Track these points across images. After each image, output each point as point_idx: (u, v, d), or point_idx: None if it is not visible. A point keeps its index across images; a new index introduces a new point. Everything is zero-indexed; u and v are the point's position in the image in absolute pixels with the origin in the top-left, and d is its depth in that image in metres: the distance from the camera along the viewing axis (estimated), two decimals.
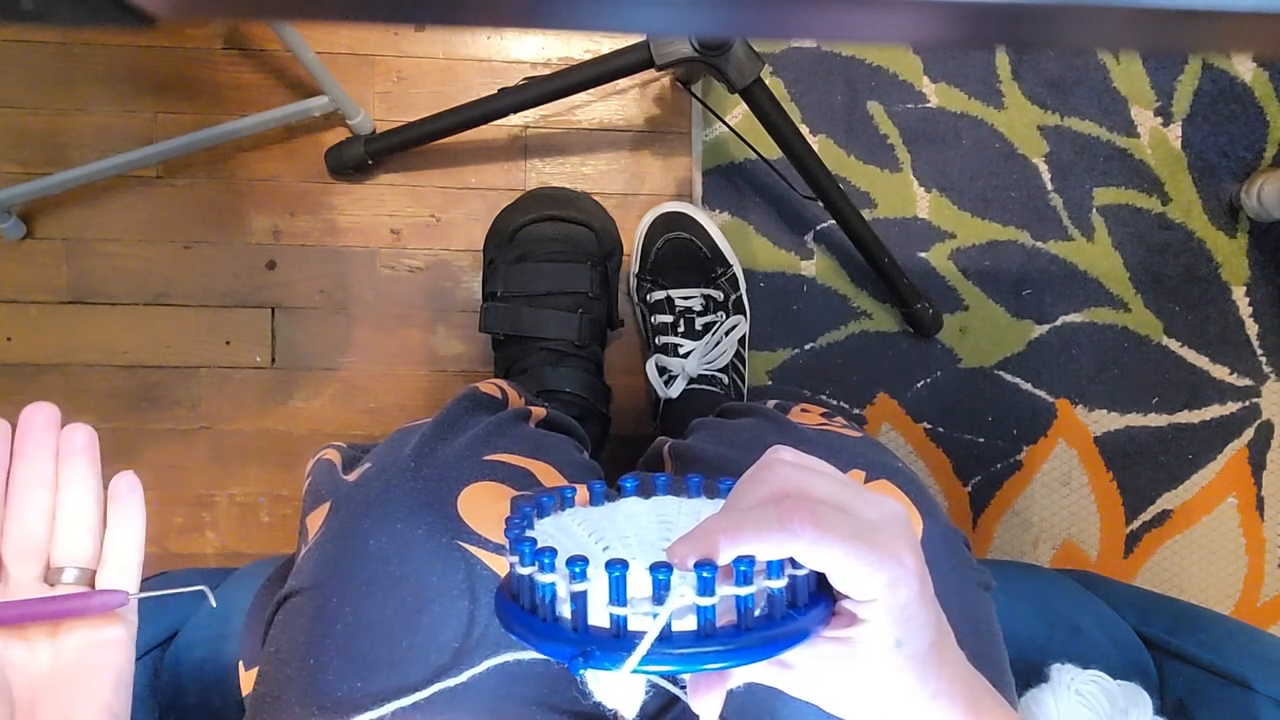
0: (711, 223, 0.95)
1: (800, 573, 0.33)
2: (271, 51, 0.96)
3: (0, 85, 0.94)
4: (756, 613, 0.32)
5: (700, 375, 0.91)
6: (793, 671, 0.35)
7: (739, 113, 0.96)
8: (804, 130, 0.99)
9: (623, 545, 0.37)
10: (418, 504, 0.49)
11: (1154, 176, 1.03)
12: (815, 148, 0.88)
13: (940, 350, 1.02)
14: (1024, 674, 0.55)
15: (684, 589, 0.31)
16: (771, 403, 0.73)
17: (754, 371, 0.99)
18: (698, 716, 0.35)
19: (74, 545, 0.39)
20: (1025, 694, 0.56)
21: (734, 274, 0.95)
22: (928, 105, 1.01)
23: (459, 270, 0.98)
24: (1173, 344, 1.04)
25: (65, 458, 0.40)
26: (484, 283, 0.95)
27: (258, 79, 0.96)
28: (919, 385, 1.02)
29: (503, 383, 0.72)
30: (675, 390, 0.91)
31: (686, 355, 0.91)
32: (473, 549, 0.47)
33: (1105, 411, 1.04)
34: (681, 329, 0.91)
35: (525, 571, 0.33)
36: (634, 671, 0.30)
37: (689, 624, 0.31)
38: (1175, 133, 1.03)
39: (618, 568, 0.31)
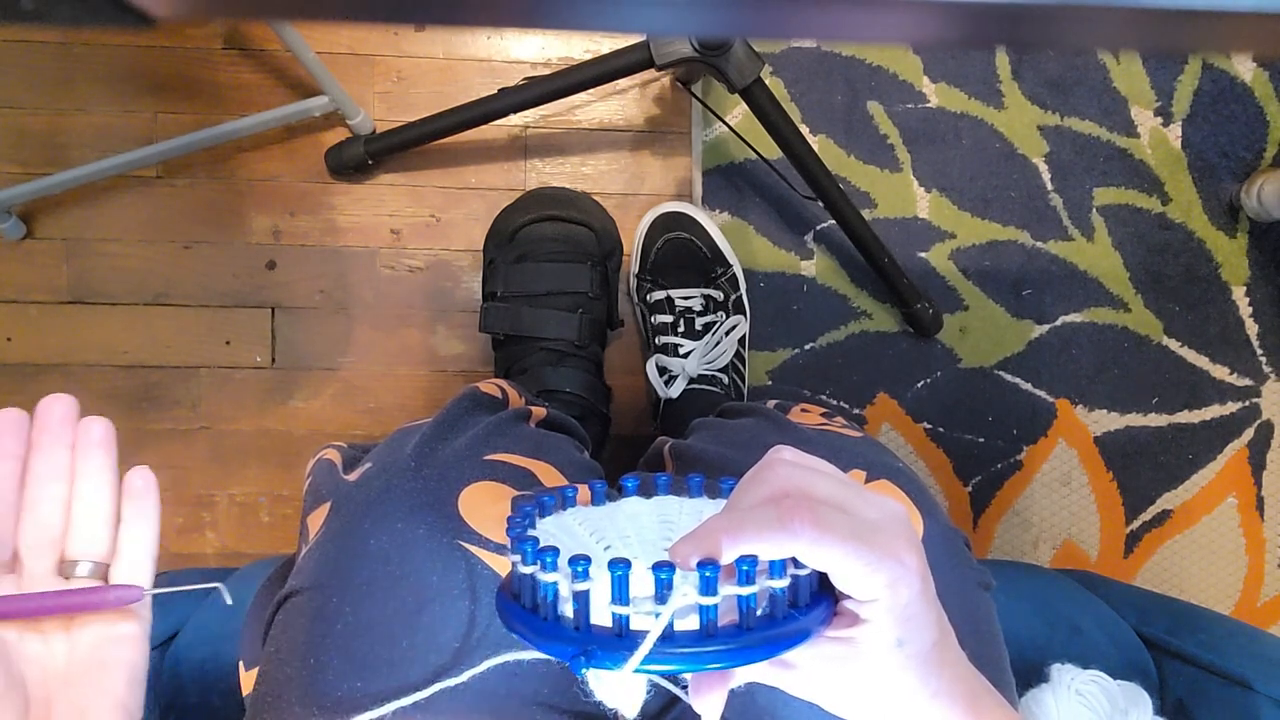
0: (711, 223, 0.95)
1: (802, 572, 0.33)
2: (271, 51, 0.96)
3: (0, 85, 0.94)
4: (758, 612, 0.32)
5: (700, 375, 0.91)
6: (794, 671, 0.35)
7: (739, 113, 0.96)
8: (804, 130, 0.99)
9: (624, 545, 0.37)
10: (418, 504, 0.49)
11: (1154, 176, 1.03)
12: (815, 148, 0.88)
13: (940, 350, 1.02)
14: (1024, 674, 0.55)
15: (686, 588, 0.31)
16: (771, 403, 0.73)
17: (754, 371, 0.99)
18: (699, 716, 0.35)
19: (89, 539, 0.39)
20: (1025, 694, 0.56)
21: (734, 274, 0.95)
22: (928, 105, 1.01)
23: (459, 270, 0.98)
24: (1173, 344, 1.04)
25: (82, 450, 0.40)
26: (484, 283, 0.95)
27: (258, 79, 0.96)
28: (919, 385, 1.02)
29: (503, 383, 0.72)
30: (675, 390, 0.91)
31: (686, 355, 0.91)
32: (473, 549, 0.47)
33: (1105, 411, 1.04)
34: (681, 329, 0.91)
35: (527, 571, 0.33)
36: (636, 671, 0.30)
37: (691, 623, 0.32)
38: (1175, 133, 1.03)
39: (620, 567, 0.31)
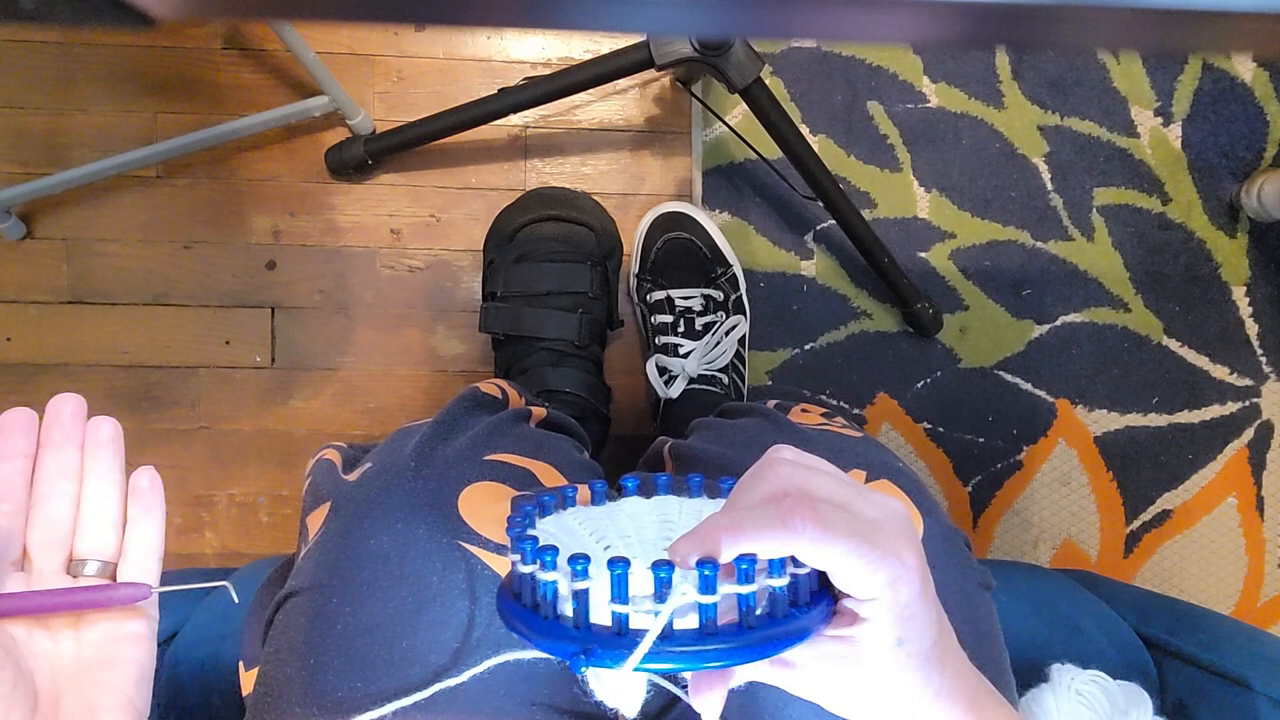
0: (711, 223, 0.95)
1: (802, 571, 0.33)
2: (271, 51, 0.96)
3: (0, 85, 0.94)
4: (758, 611, 0.32)
5: (700, 375, 0.91)
6: (794, 670, 0.35)
7: (739, 113, 0.96)
8: (804, 130, 0.99)
9: (624, 544, 0.37)
10: (418, 504, 0.49)
11: (1154, 176, 1.03)
12: (815, 148, 0.88)
13: (940, 350, 1.02)
14: (1024, 674, 0.55)
15: (686, 587, 0.31)
16: (772, 403, 0.73)
17: (754, 371, 0.99)
18: (699, 716, 0.35)
19: (97, 537, 0.39)
20: (1025, 694, 0.56)
21: (734, 274, 0.95)
22: (928, 105, 1.01)
23: (459, 270, 0.98)
24: (1173, 344, 1.04)
25: (91, 449, 0.40)
26: (484, 283, 0.95)
27: (258, 79, 0.96)
28: (919, 385, 1.02)
29: (503, 383, 0.72)
30: (675, 390, 0.91)
31: (686, 355, 0.91)
32: (473, 549, 0.47)
33: (1105, 411, 1.04)
34: (681, 329, 0.91)
35: (527, 570, 0.33)
36: (635, 669, 0.30)
37: (690, 622, 0.32)
38: (1175, 133, 1.03)
39: (619, 565, 0.31)
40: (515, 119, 0.97)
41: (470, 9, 0.20)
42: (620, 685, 0.38)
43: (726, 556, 0.31)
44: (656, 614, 0.31)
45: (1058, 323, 1.03)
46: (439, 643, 0.44)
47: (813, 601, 0.33)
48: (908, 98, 1.00)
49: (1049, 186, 1.02)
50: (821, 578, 0.34)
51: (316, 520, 0.52)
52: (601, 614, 0.32)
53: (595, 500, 0.43)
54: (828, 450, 0.56)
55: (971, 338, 1.02)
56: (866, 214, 0.99)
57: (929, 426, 1.02)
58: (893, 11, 0.19)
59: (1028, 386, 1.03)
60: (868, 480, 0.54)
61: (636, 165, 0.99)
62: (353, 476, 0.53)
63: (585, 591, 0.32)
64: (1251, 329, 1.04)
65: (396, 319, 0.98)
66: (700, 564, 0.31)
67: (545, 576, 0.33)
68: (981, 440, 1.03)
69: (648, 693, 0.40)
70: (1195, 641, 0.63)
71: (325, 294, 0.98)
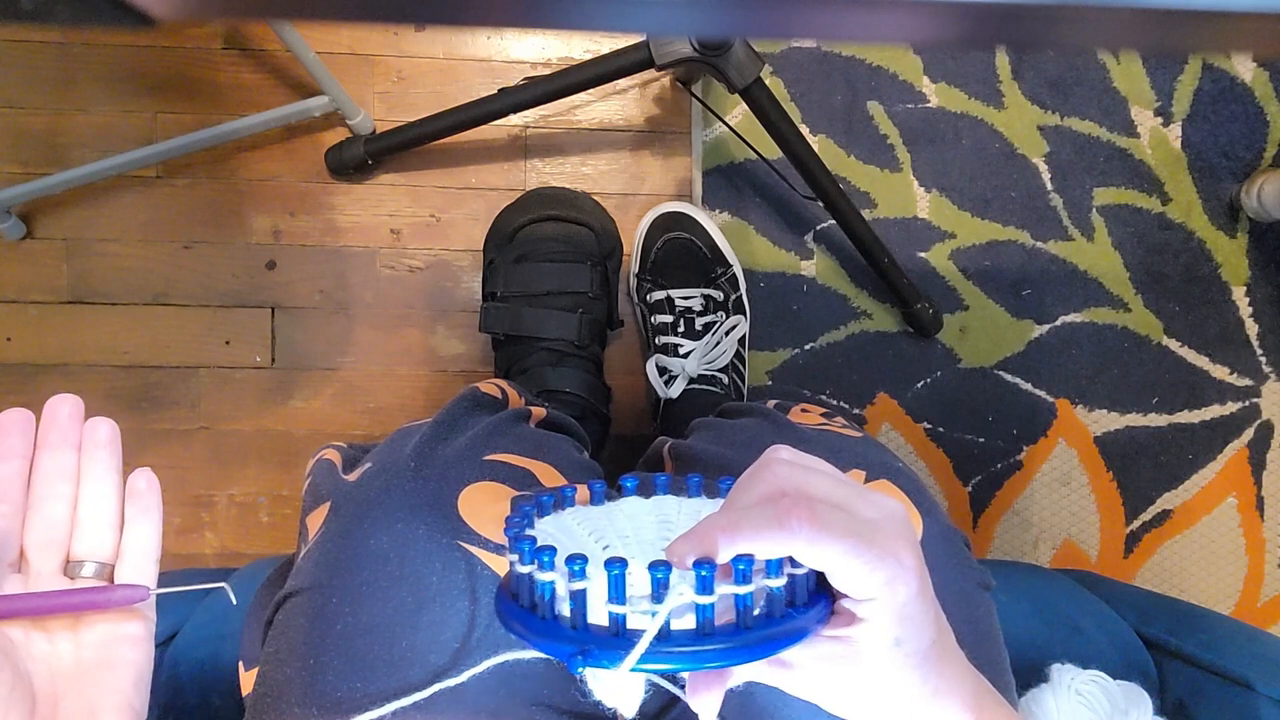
0: (711, 223, 0.95)
1: (799, 571, 0.33)
2: (271, 51, 0.96)
3: (0, 85, 0.94)
4: (755, 611, 0.32)
5: (700, 375, 0.91)
6: (792, 671, 0.35)
7: (739, 113, 0.96)
8: (804, 130, 0.99)
9: (622, 544, 0.37)
10: (418, 504, 0.49)
11: (1154, 176, 1.03)
12: (815, 148, 0.88)
13: (940, 350, 1.02)
14: (1024, 674, 0.55)
15: (683, 587, 0.31)
16: (771, 403, 0.73)
17: (754, 371, 0.99)
18: (697, 716, 0.35)
19: (94, 539, 0.39)
20: (1025, 694, 0.56)
21: (734, 274, 0.95)
22: (928, 105, 1.01)
23: (459, 270, 0.98)
24: (1173, 344, 1.04)
25: (88, 451, 0.40)
26: (484, 283, 0.95)
27: (258, 79, 0.96)
28: (919, 385, 1.02)
29: (503, 383, 0.72)
30: (675, 390, 0.91)
31: (686, 355, 0.91)
32: (473, 549, 0.47)
33: (1105, 411, 1.04)
34: (681, 329, 0.91)
35: (525, 570, 0.33)
36: (633, 670, 0.30)
37: (688, 622, 0.32)
38: (1175, 133, 1.03)
39: (617, 566, 0.31)
40: (515, 119, 0.97)
41: (470, 9, 0.20)
42: (618, 685, 0.38)
43: (724, 557, 0.31)
44: (654, 614, 0.31)
45: (1058, 323, 1.03)
46: (439, 643, 0.44)
47: (810, 602, 0.33)
48: (908, 98, 1.00)
49: (1049, 186, 1.02)
50: (820, 578, 0.34)
51: (316, 520, 0.52)
52: (599, 614, 0.32)
53: (594, 500, 0.43)
54: (827, 450, 0.56)
55: (971, 338, 1.02)
56: (866, 214, 0.99)
57: (929, 426, 1.02)
58: (893, 11, 0.19)
59: (1028, 386, 1.03)
60: (867, 480, 0.54)
61: (636, 165, 0.99)
62: (353, 476, 0.53)
63: (583, 592, 0.32)
64: (1251, 329, 1.04)
65: (396, 319, 0.98)
66: (698, 564, 0.31)
67: (543, 577, 0.33)
68: (981, 440, 1.02)
69: (646, 693, 0.40)
70: (1195, 641, 0.63)
71: (325, 294, 0.98)
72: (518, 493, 0.52)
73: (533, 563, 0.33)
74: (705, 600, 0.31)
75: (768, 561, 0.32)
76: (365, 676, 0.44)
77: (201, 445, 0.98)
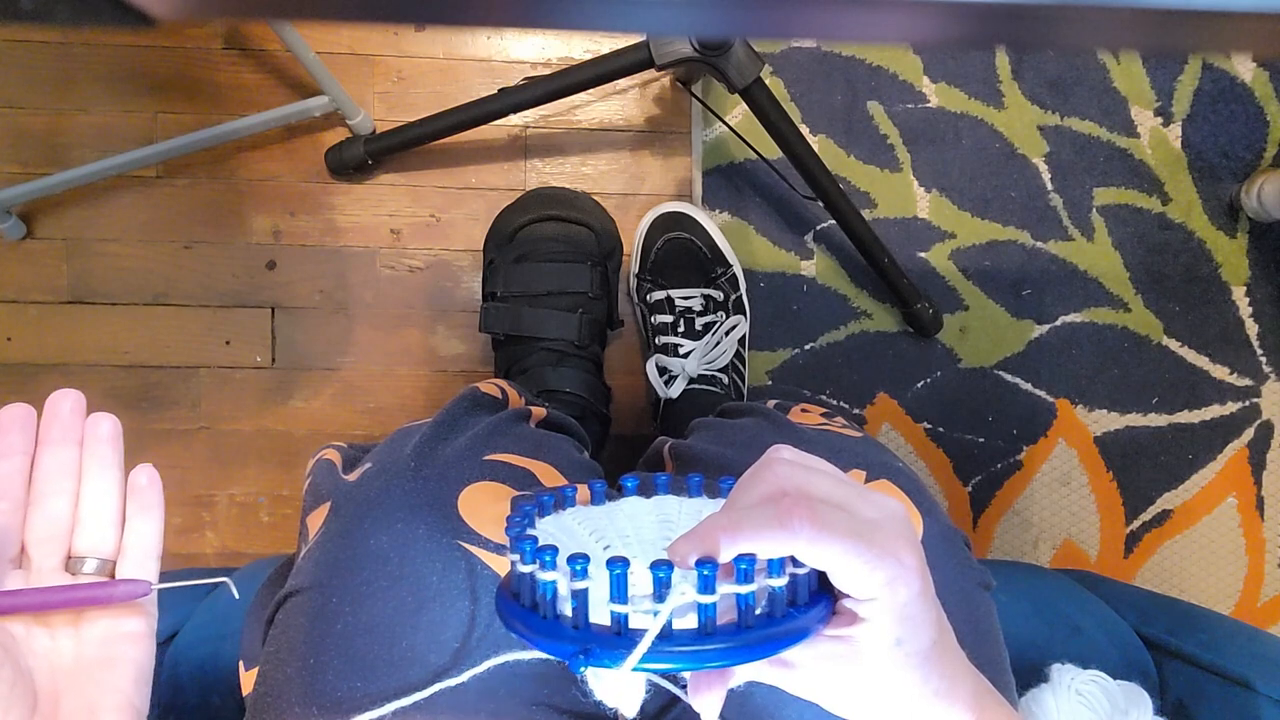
0: (711, 223, 0.95)
1: (801, 571, 0.33)
2: (271, 51, 0.96)
3: (0, 85, 0.94)
4: (757, 611, 0.32)
5: (700, 375, 0.91)
6: (794, 670, 0.35)
7: (739, 113, 0.96)
8: (804, 130, 0.99)
9: (623, 544, 0.37)
10: (418, 504, 0.49)
11: (1154, 176, 1.03)
12: (815, 148, 0.88)
13: (940, 350, 1.02)
14: (1024, 674, 0.55)
15: (685, 587, 0.31)
16: (771, 403, 0.73)
17: (754, 371, 0.99)
18: (698, 716, 0.35)
19: (96, 535, 0.39)
20: (1025, 694, 0.56)
21: (734, 274, 0.95)
22: (928, 105, 1.01)
23: (459, 270, 0.98)
24: (1173, 344, 1.04)
25: (90, 446, 0.40)
26: (484, 283, 0.95)
27: (258, 79, 0.96)
28: (919, 385, 1.02)
29: (503, 383, 0.72)
30: (675, 390, 0.91)
31: (686, 355, 0.91)
32: (473, 549, 0.47)
33: (1105, 411, 1.04)
34: (681, 329, 0.91)
35: (526, 569, 0.33)
36: (635, 669, 0.30)
37: (690, 622, 0.32)
38: (1175, 133, 1.03)
39: (619, 565, 0.31)
40: (515, 119, 0.97)
41: (470, 9, 0.20)
42: (619, 685, 0.38)
43: (725, 556, 0.31)
44: (655, 614, 0.31)
45: (1058, 323, 1.03)
46: (439, 643, 0.44)
47: (812, 601, 0.33)
48: (908, 98, 1.00)
49: (1049, 186, 1.02)
50: (821, 578, 0.34)
51: (316, 520, 0.52)
52: (600, 614, 0.32)
53: (595, 500, 0.43)
54: (827, 450, 0.56)
55: (971, 338, 1.02)
56: (866, 214, 0.99)
57: (929, 426, 1.02)
58: (893, 11, 0.19)
59: (1028, 386, 1.03)
60: (867, 480, 0.54)
61: (636, 165, 0.99)
62: (353, 476, 0.53)
63: (584, 591, 0.32)
64: (1251, 329, 1.04)
65: (396, 319, 0.98)
66: (699, 564, 0.31)
67: (544, 576, 0.33)
68: (981, 440, 1.03)
69: (647, 693, 0.40)
70: (1195, 641, 0.63)
71: (325, 294, 0.98)
72: (518, 493, 0.52)
73: (534, 562, 0.33)
74: (707, 600, 0.31)
75: (769, 561, 0.32)
76: (365, 676, 0.44)
77: (202, 445, 0.98)
